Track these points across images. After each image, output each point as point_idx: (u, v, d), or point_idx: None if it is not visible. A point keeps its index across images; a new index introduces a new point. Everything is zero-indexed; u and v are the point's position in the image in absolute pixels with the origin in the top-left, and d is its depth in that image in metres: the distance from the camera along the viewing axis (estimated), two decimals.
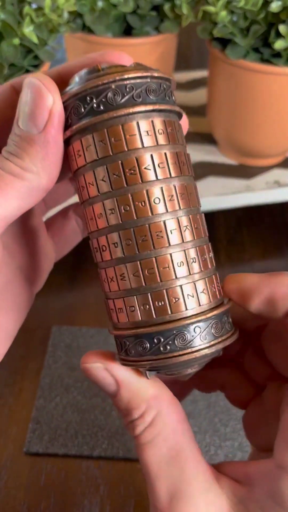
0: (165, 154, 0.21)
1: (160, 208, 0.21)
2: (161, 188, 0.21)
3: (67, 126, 0.22)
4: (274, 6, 0.44)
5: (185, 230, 0.22)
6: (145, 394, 0.23)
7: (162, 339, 0.21)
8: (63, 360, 0.47)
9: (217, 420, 0.42)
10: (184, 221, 0.22)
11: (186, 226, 0.22)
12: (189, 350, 0.21)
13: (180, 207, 0.22)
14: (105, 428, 0.42)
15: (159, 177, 0.21)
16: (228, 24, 0.46)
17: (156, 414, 0.23)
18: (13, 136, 0.22)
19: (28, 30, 0.42)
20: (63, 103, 0.22)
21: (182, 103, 0.65)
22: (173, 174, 0.22)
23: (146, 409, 0.23)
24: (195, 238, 0.22)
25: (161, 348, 0.21)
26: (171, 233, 0.21)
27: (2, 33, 0.43)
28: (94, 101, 0.21)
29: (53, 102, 0.21)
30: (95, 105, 0.21)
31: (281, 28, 0.45)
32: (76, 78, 0.22)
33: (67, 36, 0.55)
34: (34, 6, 0.44)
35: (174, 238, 0.21)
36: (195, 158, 0.58)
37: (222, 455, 0.40)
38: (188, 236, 0.22)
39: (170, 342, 0.21)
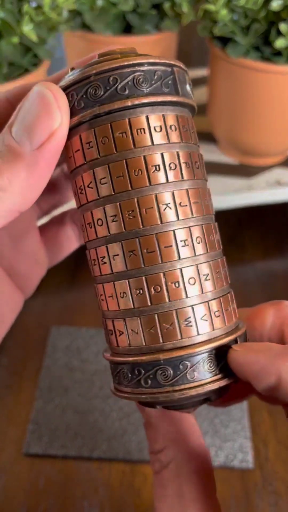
0: (177, 153, 0.19)
1: (170, 215, 0.19)
2: (172, 193, 0.19)
3: None
4: (275, 5, 0.44)
5: (198, 243, 0.19)
6: (168, 432, 0.21)
7: (167, 369, 0.19)
8: (62, 361, 0.47)
9: (217, 421, 0.42)
10: (198, 231, 0.19)
11: (198, 238, 0.19)
12: (198, 384, 0.19)
13: (193, 215, 0.19)
14: (104, 429, 0.42)
15: (170, 180, 0.19)
16: (228, 23, 0.46)
17: (174, 459, 0.21)
18: (0, 140, 0.19)
19: (27, 28, 0.42)
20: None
21: None
22: (185, 177, 0.19)
23: (163, 448, 0.21)
24: (209, 251, 0.19)
25: (163, 380, 0.19)
26: (182, 244, 0.19)
27: (1, 31, 0.42)
28: (94, 90, 0.18)
29: (60, 123, 0.18)
30: (92, 95, 0.18)
31: (282, 26, 0.44)
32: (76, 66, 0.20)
33: (67, 34, 0.54)
34: (33, 4, 0.44)
35: (185, 251, 0.19)
36: None
37: (223, 456, 0.40)
38: (200, 249, 0.19)
39: (174, 373, 0.18)
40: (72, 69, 0.20)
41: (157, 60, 0.19)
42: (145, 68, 0.18)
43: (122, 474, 0.39)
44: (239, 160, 0.57)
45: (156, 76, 0.18)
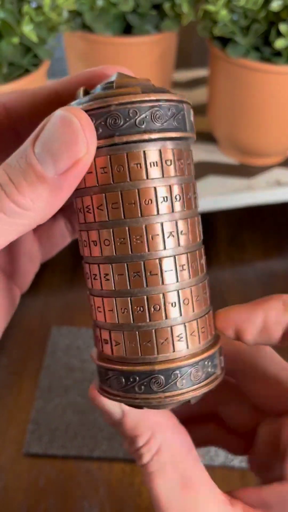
0: (170, 187, 0.20)
1: (158, 244, 0.20)
2: (161, 224, 0.20)
3: None
4: (275, 5, 0.44)
5: (181, 270, 0.21)
6: (148, 421, 0.22)
7: (145, 379, 0.21)
8: (62, 361, 0.47)
9: None
10: (183, 259, 0.21)
11: (183, 265, 0.21)
12: (185, 391, 0.21)
13: (179, 244, 0.21)
14: (104, 429, 0.42)
15: (160, 212, 0.20)
16: (228, 23, 0.46)
17: (162, 442, 0.22)
18: (22, 159, 0.18)
19: (27, 29, 0.42)
20: None
21: None
22: (176, 209, 0.20)
23: (151, 437, 0.22)
24: (191, 277, 0.21)
25: (141, 388, 0.21)
26: (167, 272, 0.20)
27: (2, 32, 0.43)
28: (113, 120, 0.19)
29: (85, 153, 0.18)
30: (112, 124, 0.19)
31: (282, 27, 0.44)
32: (80, 94, 0.21)
33: (67, 34, 0.54)
34: (33, 5, 0.44)
35: (170, 277, 0.20)
36: (195, 157, 0.57)
37: (223, 456, 0.40)
38: (185, 275, 0.21)
39: (152, 383, 0.21)
40: (86, 92, 0.21)
41: (172, 97, 0.20)
42: (161, 103, 0.20)
43: (122, 473, 0.40)
44: (239, 160, 0.57)
45: (170, 112, 0.20)
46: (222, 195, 0.52)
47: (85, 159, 0.18)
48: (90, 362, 0.47)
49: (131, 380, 0.21)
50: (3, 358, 0.48)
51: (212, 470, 0.40)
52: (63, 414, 0.43)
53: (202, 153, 0.58)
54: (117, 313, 0.21)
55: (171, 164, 0.20)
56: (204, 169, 0.56)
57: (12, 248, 0.27)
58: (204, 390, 0.21)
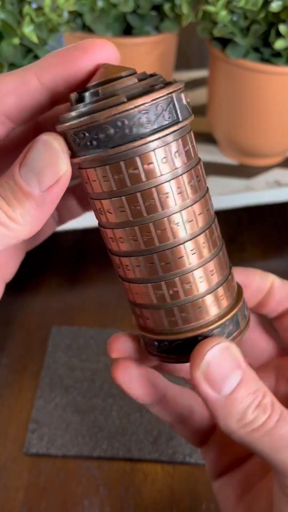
0: (182, 177, 0.22)
1: (181, 231, 0.22)
2: (181, 213, 0.21)
3: (74, 150, 0.21)
4: (274, 6, 0.44)
5: (204, 247, 0.22)
6: (254, 374, 0.23)
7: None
8: (63, 361, 0.47)
9: None
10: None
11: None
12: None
13: (198, 226, 0.22)
14: (105, 428, 0.42)
15: (177, 203, 0.21)
16: (228, 24, 0.46)
17: (262, 384, 0.23)
18: (11, 181, 0.21)
19: (28, 29, 0.42)
20: (67, 130, 0.21)
21: None
22: (192, 195, 0.22)
23: (264, 386, 0.23)
24: (212, 250, 0.23)
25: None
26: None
27: (2, 32, 0.43)
28: (104, 133, 0.20)
29: (65, 171, 0.21)
30: (102, 138, 0.20)
31: (281, 28, 0.44)
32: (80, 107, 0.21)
33: (67, 35, 0.54)
34: (34, 5, 0.44)
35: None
36: None
37: None
38: (206, 252, 0.22)
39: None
40: (78, 97, 0.21)
41: (160, 94, 0.20)
42: (148, 105, 0.20)
43: (122, 473, 0.40)
44: (238, 161, 0.57)
45: (158, 109, 0.20)
46: (222, 195, 0.53)
47: (65, 177, 0.21)
48: (90, 361, 0.47)
49: (172, 346, 0.23)
50: (4, 358, 0.48)
51: None
52: (64, 414, 0.43)
53: (201, 153, 0.58)
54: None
55: (166, 161, 0.21)
56: (204, 170, 0.56)
57: None
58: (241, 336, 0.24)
